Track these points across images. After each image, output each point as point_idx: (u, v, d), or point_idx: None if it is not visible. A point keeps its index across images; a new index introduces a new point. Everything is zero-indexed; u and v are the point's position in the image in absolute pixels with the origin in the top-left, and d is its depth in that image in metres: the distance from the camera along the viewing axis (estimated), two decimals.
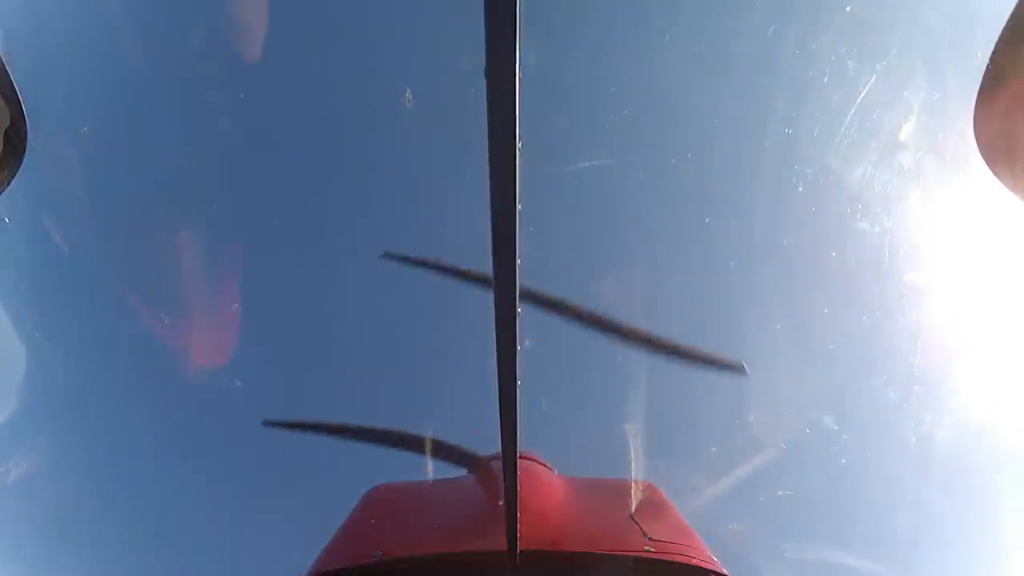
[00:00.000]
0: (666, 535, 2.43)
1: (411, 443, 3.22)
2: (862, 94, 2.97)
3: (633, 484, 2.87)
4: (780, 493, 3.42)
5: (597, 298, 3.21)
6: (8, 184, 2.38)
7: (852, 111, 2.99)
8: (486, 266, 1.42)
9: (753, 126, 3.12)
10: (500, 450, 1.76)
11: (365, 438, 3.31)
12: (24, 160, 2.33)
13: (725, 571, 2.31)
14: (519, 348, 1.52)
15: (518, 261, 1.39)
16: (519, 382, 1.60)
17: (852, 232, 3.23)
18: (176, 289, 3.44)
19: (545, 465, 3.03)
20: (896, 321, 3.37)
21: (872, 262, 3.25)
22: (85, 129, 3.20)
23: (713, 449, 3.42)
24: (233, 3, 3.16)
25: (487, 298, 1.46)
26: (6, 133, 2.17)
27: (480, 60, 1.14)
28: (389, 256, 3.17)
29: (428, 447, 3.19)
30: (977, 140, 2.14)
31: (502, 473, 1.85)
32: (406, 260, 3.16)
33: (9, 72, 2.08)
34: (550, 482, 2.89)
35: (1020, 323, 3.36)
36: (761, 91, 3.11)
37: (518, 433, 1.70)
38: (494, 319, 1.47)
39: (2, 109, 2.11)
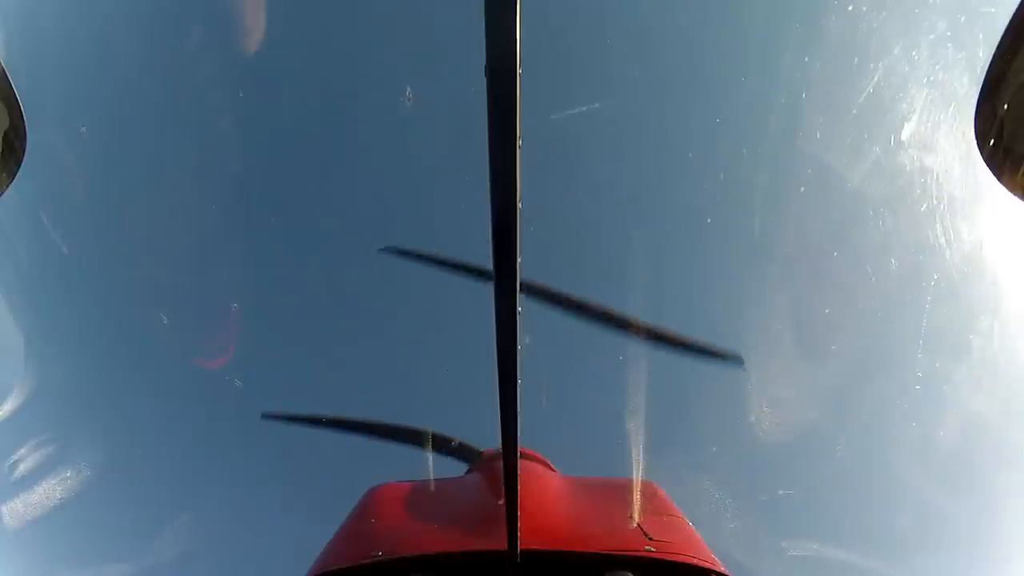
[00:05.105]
0: (666, 535, 2.41)
1: (412, 437, 3.20)
2: (864, 93, 2.96)
3: (633, 484, 2.86)
4: (780, 493, 3.41)
5: (596, 296, 3.21)
6: (8, 185, 2.38)
7: (854, 110, 2.99)
8: (486, 265, 1.42)
9: (754, 126, 3.11)
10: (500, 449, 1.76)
11: (365, 432, 3.29)
12: (24, 161, 2.32)
13: (726, 571, 2.31)
14: (519, 347, 1.52)
15: (518, 260, 1.38)
16: (519, 382, 1.60)
17: (854, 231, 3.23)
18: (176, 288, 3.44)
19: (546, 463, 3.01)
20: (898, 320, 3.37)
21: (874, 261, 3.25)
22: (84, 129, 3.20)
23: (714, 449, 3.41)
24: (232, 2, 3.16)
25: (487, 295, 1.46)
26: (5, 134, 2.16)
27: (480, 58, 1.14)
28: (389, 251, 3.15)
29: (429, 442, 3.17)
30: (978, 140, 2.14)
31: (502, 472, 1.84)
32: (406, 254, 3.15)
33: (8, 74, 2.08)
34: (551, 481, 2.88)
35: (1022, 321, 3.36)
36: (761, 90, 3.11)
37: (518, 433, 1.69)
38: (494, 318, 1.47)
39: (1, 111, 2.10)
